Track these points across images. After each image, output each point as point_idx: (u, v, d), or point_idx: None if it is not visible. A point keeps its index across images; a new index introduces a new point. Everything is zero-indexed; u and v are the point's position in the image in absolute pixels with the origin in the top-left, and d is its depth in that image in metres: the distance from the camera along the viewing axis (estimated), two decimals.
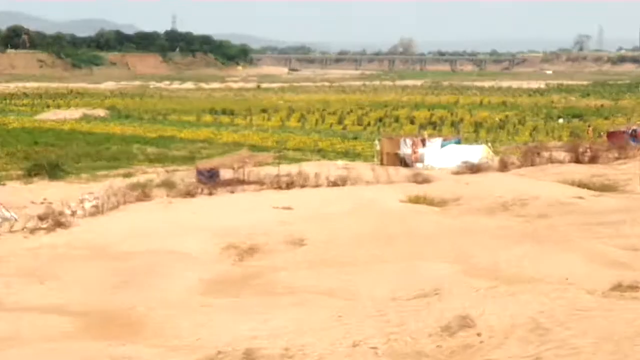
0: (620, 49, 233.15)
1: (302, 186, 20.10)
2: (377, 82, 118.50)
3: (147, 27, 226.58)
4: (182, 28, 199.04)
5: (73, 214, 16.03)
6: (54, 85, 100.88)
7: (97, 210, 16.58)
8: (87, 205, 16.54)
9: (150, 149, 36.27)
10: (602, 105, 63.52)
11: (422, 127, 45.20)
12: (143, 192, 18.63)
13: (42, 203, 18.01)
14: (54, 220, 15.36)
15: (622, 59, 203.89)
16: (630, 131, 31.62)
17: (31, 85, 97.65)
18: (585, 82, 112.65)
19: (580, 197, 17.85)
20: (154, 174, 26.00)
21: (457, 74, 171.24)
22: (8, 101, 70.08)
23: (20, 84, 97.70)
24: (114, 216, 16.82)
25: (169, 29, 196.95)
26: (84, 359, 8.42)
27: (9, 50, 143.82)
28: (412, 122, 49.99)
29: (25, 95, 79.19)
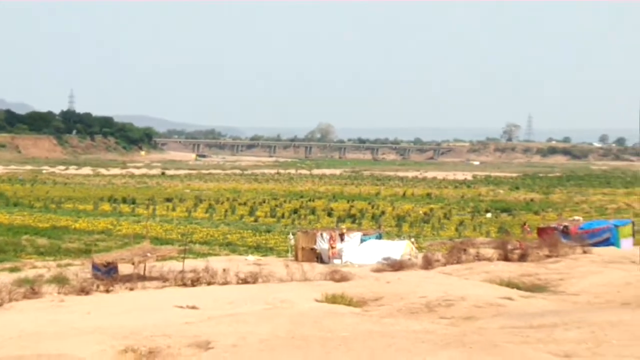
0: (551, 139, 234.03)
1: (209, 283, 18.43)
2: (292, 171, 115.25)
3: (41, 107, 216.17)
4: (80, 108, 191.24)
5: None
6: None
7: None
8: None
9: (40, 241, 34.10)
10: (532, 199, 62.14)
11: (340, 220, 43.57)
12: (31, 289, 16.48)
13: None
14: None
15: (552, 150, 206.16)
16: (561, 227, 29.24)
17: None
18: (514, 174, 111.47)
19: (510, 298, 16.67)
20: (45, 268, 23.73)
21: (378, 163, 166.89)
22: None
23: None
24: None
25: (65, 109, 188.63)
26: None
27: None
28: (329, 215, 48.15)
29: None
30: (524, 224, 38.55)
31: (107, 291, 18.37)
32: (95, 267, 20.73)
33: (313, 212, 50.52)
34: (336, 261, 25.70)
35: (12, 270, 23.71)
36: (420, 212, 50.36)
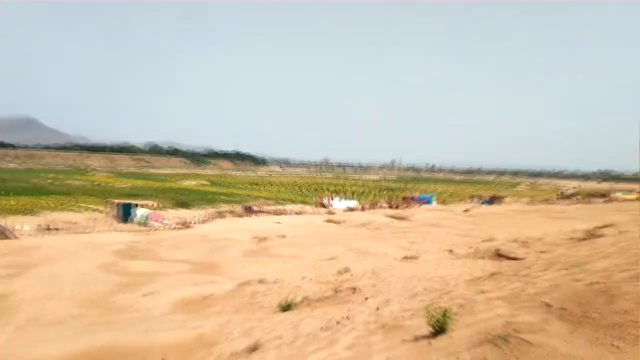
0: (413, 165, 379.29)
1: (285, 214, 40.40)
2: (316, 174, 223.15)
3: (219, 148, 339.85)
4: (230, 148, 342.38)
5: (193, 222, 35.83)
6: (186, 172, 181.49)
7: (203, 221, 36.46)
8: (199, 219, 36.39)
9: (224, 197, 69.26)
10: (400, 186, 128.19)
11: (332, 192, 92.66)
12: (221, 214, 38.92)
13: (180, 217, 38.38)
14: (185, 224, 34.99)
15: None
16: (411, 196, 65.77)
17: (179, 171, 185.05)
18: (394, 177, 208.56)
19: (392, 221, 36.24)
20: (227, 207, 48.16)
21: (346, 172, 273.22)
22: (170, 178, 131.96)
23: (174, 170, 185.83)
24: (209, 224, 36.31)
25: (232, 149, 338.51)
26: (195, 281, 17.87)
27: (170, 157, 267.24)
28: (328, 190, 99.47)
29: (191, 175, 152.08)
30: (403, 197, 74.03)
31: (249, 216, 40.30)
32: (244, 207, 43.23)
33: (322, 189, 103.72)
34: (330, 207, 52.53)
35: (214, 208, 48.48)
36: (360, 190, 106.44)
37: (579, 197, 74.95)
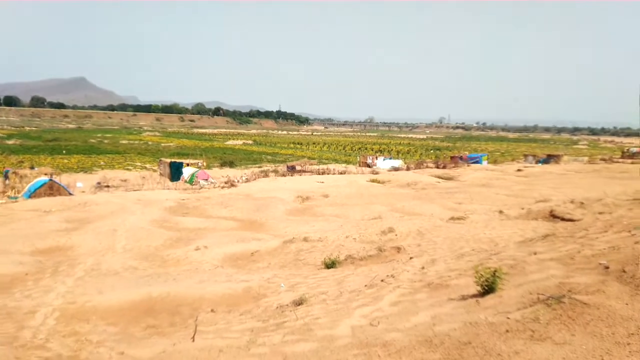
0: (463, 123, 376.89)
1: (328, 173, 40.31)
2: (361, 133, 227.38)
3: (264, 107, 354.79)
4: (274, 107, 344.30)
5: (238, 181, 36.58)
6: (230, 131, 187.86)
7: (247, 180, 37.14)
8: (244, 178, 37.05)
9: (269, 157, 70.57)
10: (448, 145, 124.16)
11: (376, 152, 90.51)
12: (265, 174, 39.45)
13: (226, 176, 39.28)
14: (231, 183, 35.69)
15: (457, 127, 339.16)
16: (459, 156, 64.98)
17: (224, 130, 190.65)
18: (442, 136, 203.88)
19: (438, 181, 35.51)
20: (270, 167, 48.93)
21: (391, 131, 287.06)
22: (215, 137, 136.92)
23: (218, 130, 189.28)
24: (254, 183, 36.94)
25: (276, 109, 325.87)
26: (241, 238, 18.76)
27: (215, 117, 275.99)
28: (372, 150, 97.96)
29: (235, 134, 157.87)
30: (451, 156, 73.58)
31: (292, 175, 40.66)
32: (288, 167, 43.55)
33: (366, 148, 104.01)
34: (374, 167, 52.34)
35: (259, 167, 49.31)
36: (405, 149, 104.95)
37: None
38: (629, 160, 62.97)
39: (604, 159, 68.71)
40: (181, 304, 10.27)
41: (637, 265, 6.39)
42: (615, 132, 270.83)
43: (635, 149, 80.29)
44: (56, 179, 36.04)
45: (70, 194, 33.27)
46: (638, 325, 4.90)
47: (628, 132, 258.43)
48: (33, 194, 32.41)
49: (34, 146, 76.72)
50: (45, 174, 37.69)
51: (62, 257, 16.35)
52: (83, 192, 35.60)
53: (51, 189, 33.09)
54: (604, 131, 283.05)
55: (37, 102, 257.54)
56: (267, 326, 7.80)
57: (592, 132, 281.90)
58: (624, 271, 6.40)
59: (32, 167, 45.76)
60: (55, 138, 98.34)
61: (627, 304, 5.45)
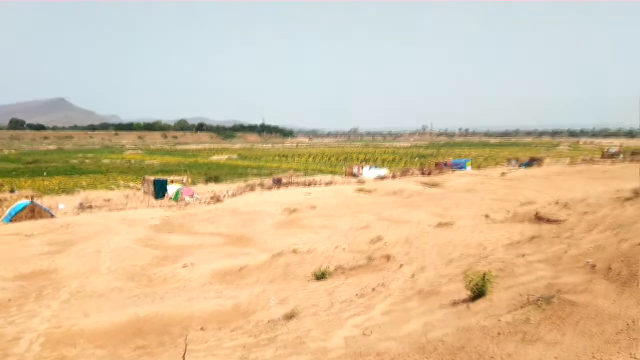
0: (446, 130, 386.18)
1: (314, 185, 40.25)
2: (345, 143, 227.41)
3: (248, 121, 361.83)
4: (257, 121, 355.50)
5: (224, 196, 36.37)
6: (214, 146, 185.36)
7: (233, 195, 36.93)
8: (229, 192, 36.88)
9: (254, 170, 70.63)
10: (432, 152, 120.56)
11: (361, 161, 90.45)
12: (251, 187, 39.25)
13: (211, 192, 39.02)
14: (216, 198, 35.46)
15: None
16: (444, 162, 66.54)
17: (208, 146, 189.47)
18: (426, 144, 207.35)
19: (424, 188, 35.76)
20: (256, 180, 48.52)
21: (375, 140, 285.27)
22: (199, 153, 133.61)
23: (202, 146, 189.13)
24: (240, 197, 36.77)
25: (259, 122, 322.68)
26: (229, 253, 19.20)
27: (198, 133, 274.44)
28: (357, 159, 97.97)
29: (219, 149, 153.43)
30: (436, 163, 72.99)
31: (278, 188, 40.54)
32: (273, 180, 43.41)
33: (351, 158, 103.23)
34: (360, 176, 52.12)
35: (244, 181, 48.69)
36: (390, 158, 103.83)
37: (622, 156, 72.46)
38: (609, 160, 64.23)
39: (585, 160, 69.95)
40: (170, 323, 10.11)
41: (622, 263, 6.48)
42: (594, 134, 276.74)
43: (614, 149, 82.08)
44: (37, 201, 35.46)
45: (52, 216, 32.73)
46: (626, 323, 4.95)
47: (606, 133, 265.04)
48: (14, 217, 31.83)
49: (13, 169, 75.49)
50: (26, 197, 37.06)
51: (45, 280, 16.03)
52: (65, 213, 35.01)
53: (32, 211, 32.55)
54: (583, 133, 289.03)
55: (16, 124, 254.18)
56: (259, 341, 7.71)
57: (572, 134, 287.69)
58: (610, 269, 6.48)
59: (12, 190, 44.94)
60: (36, 160, 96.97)
61: (614, 302, 5.51)
